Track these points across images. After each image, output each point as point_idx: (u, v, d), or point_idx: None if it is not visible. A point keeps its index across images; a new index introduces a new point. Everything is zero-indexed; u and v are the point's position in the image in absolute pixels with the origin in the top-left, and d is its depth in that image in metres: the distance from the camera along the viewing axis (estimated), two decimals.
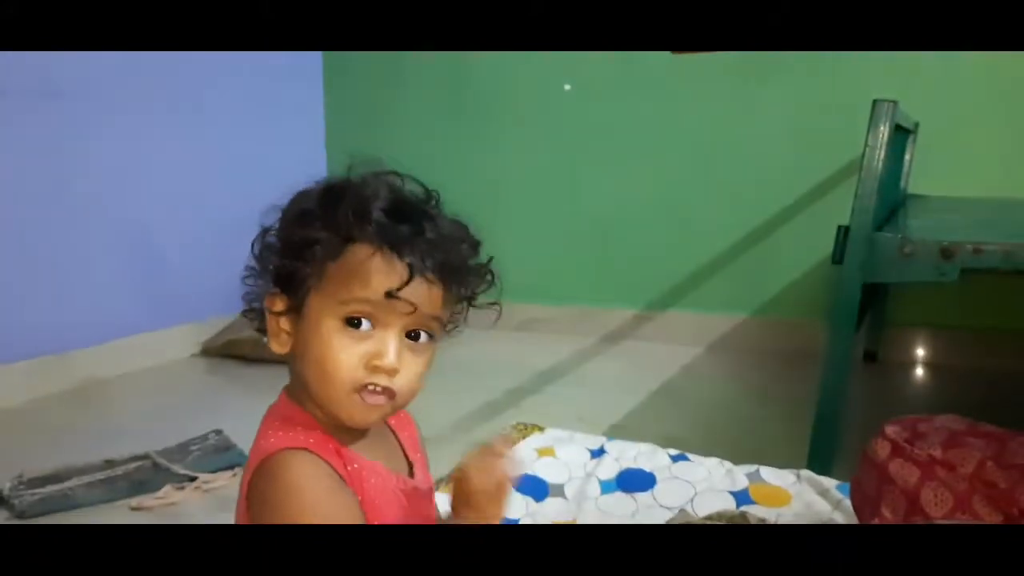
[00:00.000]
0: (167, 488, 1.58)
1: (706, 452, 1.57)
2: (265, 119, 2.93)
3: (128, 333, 2.44)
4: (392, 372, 0.74)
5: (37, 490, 1.53)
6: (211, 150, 2.71)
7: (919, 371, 2.48)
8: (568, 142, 2.88)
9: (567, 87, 2.84)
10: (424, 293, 0.75)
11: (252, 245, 0.81)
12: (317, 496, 0.72)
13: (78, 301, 2.31)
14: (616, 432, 1.95)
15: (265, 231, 0.80)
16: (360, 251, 0.74)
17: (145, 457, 1.66)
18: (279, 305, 0.77)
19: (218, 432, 1.79)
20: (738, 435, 1.91)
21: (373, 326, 0.75)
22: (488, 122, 2.98)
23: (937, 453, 1.07)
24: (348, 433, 0.79)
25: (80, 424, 2.01)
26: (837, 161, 2.47)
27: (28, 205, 2.19)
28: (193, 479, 1.61)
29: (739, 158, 2.65)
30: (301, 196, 0.80)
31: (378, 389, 0.75)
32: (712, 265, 2.75)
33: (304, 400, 0.78)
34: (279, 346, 0.78)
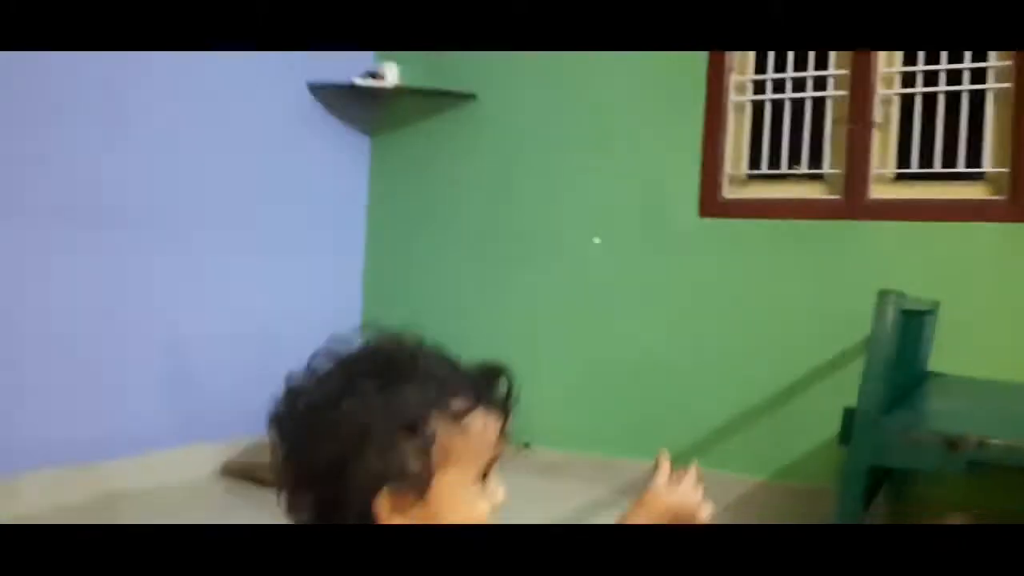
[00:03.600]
0: None
1: None
2: (307, 250, 3.06)
3: (153, 447, 2.50)
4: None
5: None
6: (252, 276, 2.84)
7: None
8: (599, 292, 2.97)
9: (596, 240, 2.96)
10: (500, 432, 0.83)
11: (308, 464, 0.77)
12: None
13: (108, 413, 2.40)
14: None
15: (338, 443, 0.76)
16: (474, 419, 0.79)
17: None
18: (401, 500, 0.76)
19: None
20: None
21: None
22: (521, 269, 3.09)
23: None
24: None
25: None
26: (859, 333, 2.53)
27: (69, 317, 2.30)
28: None
29: (765, 321, 2.71)
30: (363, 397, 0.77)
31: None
32: (733, 425, 2.77)
33: None
34: (405, 523, 0.77)
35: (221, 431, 2.67)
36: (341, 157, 3.20)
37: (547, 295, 3.05)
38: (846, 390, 2.03)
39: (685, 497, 0.92)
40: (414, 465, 0.76)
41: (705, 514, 0.91)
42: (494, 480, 0.83)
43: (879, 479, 1.99)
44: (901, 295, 1.44)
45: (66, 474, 2.25)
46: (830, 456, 2.58)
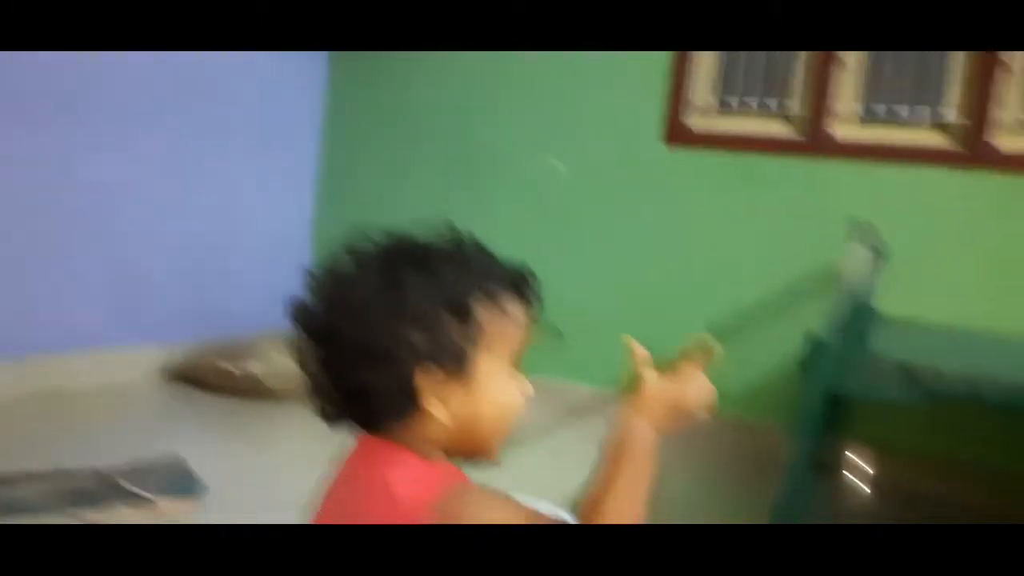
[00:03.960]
0: (117, 506, 1.56)
1: None
2: (259, 154, 2.96)
3: (94, 344, 2.42)
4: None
5: None
6: (203, 178, 2.74)
7: (871, 490, 2.51)
8: (553, 217, 2.95)
9: (559, 166, 2.92)
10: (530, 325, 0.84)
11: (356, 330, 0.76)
12: (521, 511, 0.75)
13: (51, 307, 2.30)
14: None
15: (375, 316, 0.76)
16: (511, 307, 0.81)
17: (100, 472, 1.65)
18: (443, 379, 0.77)
19: (178, 458, 1.77)
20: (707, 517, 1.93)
21: None
22: (480, 191, 3.04)
23: None
24: None
25: (38, 430, 1.98)
26: (808, 270, 2.55)
27: (18, 209, 2.20)
28: (145, 500, 1.60)
29: (717, 255, 2.73)
30: (399, 269, 0.78)
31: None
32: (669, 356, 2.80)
33: (429, 451, 0.79)
34: (442, 416, 0.78)
35: (166, 333, 2.60)
36: (298, 64, 3.09)
37: (506, 218, 3.01)
38: (801, 325, 2.06)
39: (689, 389, 0.85)
40: (458, 343, 0.77)
41: (707, 407, 0.86)
42: (520, 373, 0.83)
43: (832, 418, 2.03)
44: (872, 227, 1.44)
45: (3, 367, 2.16)
46: (776, 392, 2.64)
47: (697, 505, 2.19)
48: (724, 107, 2.74)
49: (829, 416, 1.71)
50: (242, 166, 2.89)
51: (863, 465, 2.56)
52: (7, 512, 1.49)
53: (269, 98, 2.99)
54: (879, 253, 1.98)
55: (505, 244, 3.04)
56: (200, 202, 2.74)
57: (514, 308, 0.81)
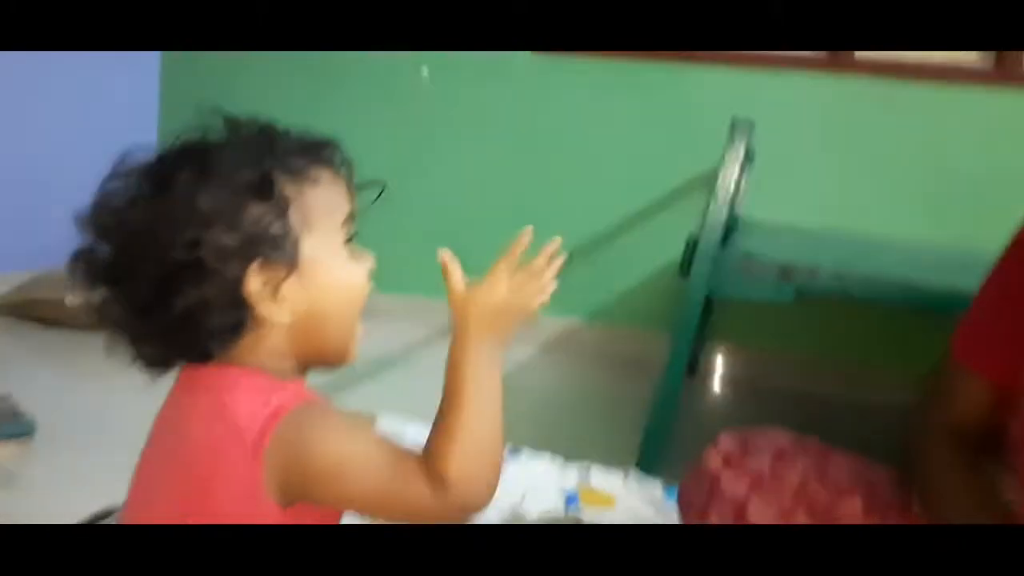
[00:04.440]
0: None
1: (538, 447, 1.57)
2: (96, 68, 2.67)
3: None
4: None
5: None
6: (33, 95, 2.46)
7: (736, 389, 2.59)
8: (421, 127, 2.82)
9: (425, 71, 2.77)
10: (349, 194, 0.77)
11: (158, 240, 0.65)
12: (372, 442, 0.67)
13: None
14: None
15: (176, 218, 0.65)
16: (318, 175, 0.72)
17: (5, 397, 1.46)
18: (273, 274, 0.67)
19: (5, 396, 1.59)
20: (567, 435, 1.92)
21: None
22: (338, 94, 2.86)
23: (765, 467, 1.10)
24: None
25: None
26: (682, 174, 2.55)
27: None
28: None
29: (590, 161, 2.69)
30: (194, 164, 0.67)
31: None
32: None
33: (276, 365, 0.70)
34: (282, 317, 0.68)
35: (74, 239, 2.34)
36: None
37: (367, 126, 2.85)
38: (670, 233, 2.04)
39: (504, 289, 0.76)
40: (275, 229, 0.67)
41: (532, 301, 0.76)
42: (357, 246, 0.76)
43: (705, 322, 2.04)
44: (752, 126, 1.40)
45: None
46: (651, 299, 2.65)
47: (574, 407, 2.19)
48: None
49: (702, 325, 1.70)
50: (77, 88, 2.60)
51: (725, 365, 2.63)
52: None
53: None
54: (751, 154, 1.97)
55: (367, 152, 2.88)
56: (29, 117, 2.46)
57: (323, 175, 0.72)
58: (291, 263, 0.68)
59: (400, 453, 0.67)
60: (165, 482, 0.69)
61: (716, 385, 2.57)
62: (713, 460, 1.13)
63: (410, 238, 2.87)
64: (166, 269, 0.65)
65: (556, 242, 0.77)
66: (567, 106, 2.69)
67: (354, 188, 0.77)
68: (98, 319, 0.68)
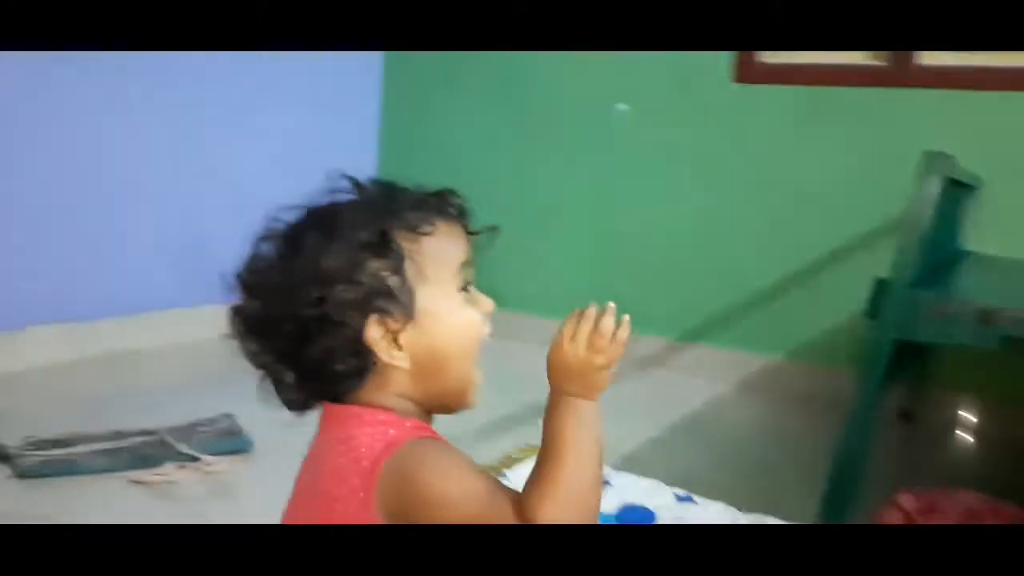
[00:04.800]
0: (168, 466, 1.58)
1: (717, 493, 1.52)
2: (320, 110, 2.94)
3: (160, 307, 2.46)
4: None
5: (42, 452, 1.55)
6: (262, 135, 2.73)
7: (955, 437, 2.37)
8: (618, 161, 2.84)
9: (622, 107, 2.80)
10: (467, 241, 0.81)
11: (292, 296, 0.73)
12: (476, 479, 0.70)
13: (115, 271, 2.35)
14: (628, 463, 1.90)
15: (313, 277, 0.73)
16: (434, 227, 0.77)
17: (153, 432, 1.67)
18: (392, 324, 0.74)
19: (228, 416, 1.79)
20: (754, 479, 1.85)
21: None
22: (540, 132, 2.95)
23: None
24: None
25: (100, 392, 2.03)
26: (889, 211, 2.38)
27: (78, 173, 2.23)
28: (195, 459, 1.61)
29: (789, 196, 2.58)
30: (326, 225, 0.75)
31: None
32: (751, 302, 2.68)
33: (400, 405, 0.76)
34: (402, 362, 0.75)
35: (229, 294, 2.63)
36: None
37: (568, 162, 2.92)
38: (878, 269, 1.91)
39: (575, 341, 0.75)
40: (391, 282, 0.73)
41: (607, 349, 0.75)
42: (475, 291, 0.80)
43: (901, 363, 1.90)
44: (949, 158, 1.30)
45: (69, 329, 2.22)
46: (854, 338, 2.49)
47: (765, 448, 2.10)
48: None
49: (903, 360, 1.59)
50: (302, 126, 2.87)
51: (965, 415, 2.40)
52: (63, 473, 1.52)
53: (329, 58, 2.95)
54: (965, 186, 1.82)
55: (573, 191, 2.98)
56: (258, 162, 2.74)
57: (439, 227, 0.77)
58: (408, 313, 0.74)
59: (499, 489, 0.70)
60: (303, 505, 0.77)
61: (932, 434, 2.37)
62: (890, 519, 1.05)
63: (605, 268, 2.90)
64: (299, 323, 0.73)
65: (626, 318, 0.78)
66: (766, 136, 2.61)
67: (471, 235, 0.81)
68: (254, 367, 0.77)
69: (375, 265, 0.73)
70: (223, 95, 2.60)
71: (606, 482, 1.51)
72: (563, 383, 0.74)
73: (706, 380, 2.64)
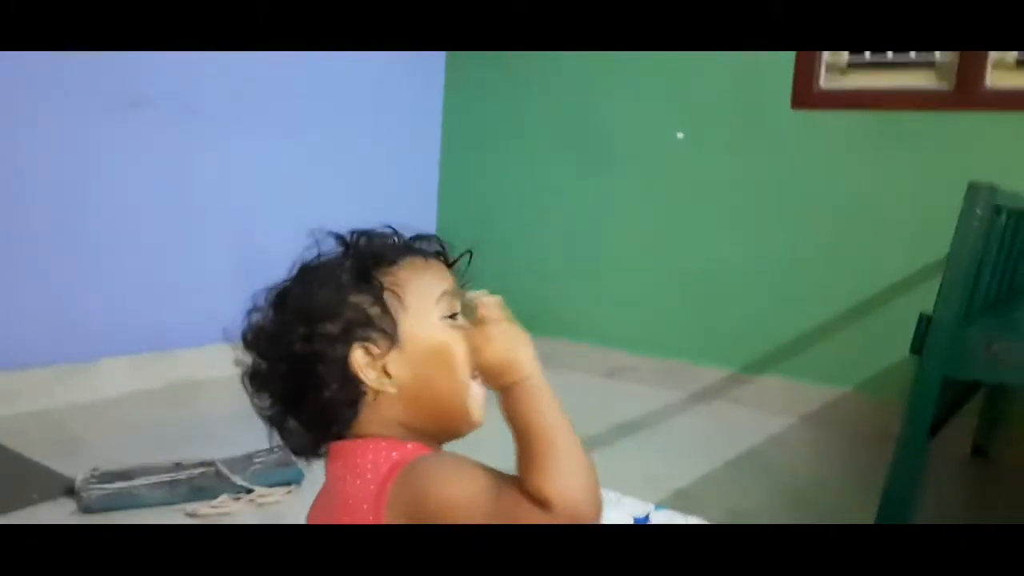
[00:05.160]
0: (223, 497, 1.64)
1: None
2: (382, 140, 3.02)
3: (228, 339, 2.55)
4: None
5: (106, 485, 1.62)
6: (327, 168, 2.83)
7: None
8: (679, 190, 2.82)
9: (680, 135, 2.79)
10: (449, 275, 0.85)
11: (286, 334, 0.79)
12: (481, 478, 0.72)
13: (186, 302, 2.45)
14: (679, 497, 1.88)
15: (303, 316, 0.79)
16: (414, 263, 0.82)
17: (210, 464, 1.73)
18: (376, 351, 0.78)
19: (282, 447, 1.83)
20: (810, 517, 1.81)
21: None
22: (597, 161, 2.96)
23: None
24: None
25: (166, 422, 2.12)
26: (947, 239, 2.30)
27: (150, 209, 2.34)
28: (250, 491, 1.67)
29: (853, 225, 2.52)
30: (315, 271, 0.81)
31: (476, 376, 0.80)
32: (815, 334, 2.62)
33: (399, 432, 0.79)
34: (390, 387, 0.78)
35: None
36: (416, 65, 3.14)
37: (627, 194, 2.92)
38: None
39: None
40: (373, 314, 0.77)
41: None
42: (463, 321, 0.81)
43: (964, 393, 1.83)
44: (994, 188, 1.26)
45: (140, 360, 2.33)
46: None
47: (826, 485, 2.04)
48: (855, 62, 2.51)
49: (953, 399, 1.54)
50: (368, 159, 2.95)
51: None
52: (125, 507, 1.59)
53: (392, 91, 3.05)
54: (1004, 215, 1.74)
55: (632, 222, 2.97)
56: (326, 195, 2.83)
57: (417, 260, 0.82)
58: (390, 339, 0.77)
59: (504, 483, 0.71)
60: None
61: (1008, 471, 2.26)
62: None
63: (666, 299, 2.88)
64: (291, 361, 0.78)
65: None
66: (827, 164, 2.56)
67: (452, 269, 0.85)
68: (264, 421, 0.82)
69: (356, 299, 0.78)
70: (292, 132, 2.69)
71: (647, 518, 1.50)
72: (500, 375, 0.75)
73: (769, 412, 2.59)
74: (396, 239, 0.85)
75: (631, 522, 1.49)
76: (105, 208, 2.26)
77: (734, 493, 1.93)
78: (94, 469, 1.66)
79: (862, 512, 1.64)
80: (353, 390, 0.77)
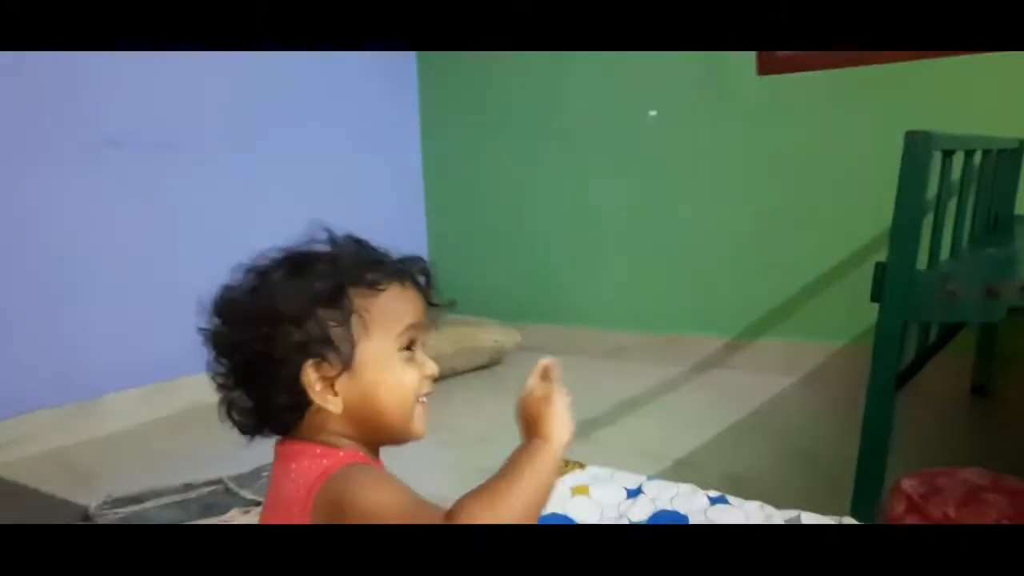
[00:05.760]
0: (233, 512, 1.69)
1: (771, 492, 1.52)
2: (363, 154, 3.07)
3: None
4: (434, 378, 0.86)
5: (119, 510, 1.68)
6: (311, 188, 2.87)
7: None
8: (656, 167, 2.85)
9: (652, 113, 2.82)
10: (422, 306, 0.87)
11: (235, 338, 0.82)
12: (402, 492, 0.75)
13: (182, 331, 2.50)
14: (678, 467, 1.92)
15: (254, 320, 0.81)
16: (390, 291, 0.83)
17: (219, 481, 1.79)
18: (328, 370, 0.80)
19: None
20: (808, 473, 1.84)
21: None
22: (576, 148, 3.00)
23: (951, 511, 1.00)
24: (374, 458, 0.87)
25: (176, 450, 2.18)
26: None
27: (143, 242, 2.40)
28: (258, 504, 1.72)
29: (832, 180, 2.54)
30: (283, 278, 0.83)
31: (425, 398, 0.86)
32: (807, 292, 2.64)
33: (336, 440, 0.83)
34: (334, 406, 0.81)
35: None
36: (389, 74, 3.19)
37: (608, 174, 2.96)
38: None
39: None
40: (335, 334, 0.79)
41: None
42: (421, 353, 0.86)
43: (943, 336, 1.86)
44: (929, 134, 1.29)
45: (150, 391, 2.39)
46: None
47: (830, 440, 2.07)
48: None
49: (927, 339, 1.56)
50: (351, 176, 2.99)
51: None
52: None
53: (368, 104, 3.08)
54: (987, 156, 1.77)
55: (616, 204, 3.00)
56: (313, 215, 2.87)
57: (393, 289, 0.83)
58: (345, 362, 0.80)
59: (423, 502, 0.74)
60: None
61: (1009, 407, 2.28)
62: (895, 505, 1.05)
63: (656, 275, 2.91)
64: (249, 353, 0.81)
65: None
66: (799, 124, 2.58)
67: (428, 299, 0.87)
68: (215, 387, 0.85)
69: (324, 314, 0.80)
70: (275, 162, 2.74)
71: (639, 490, 1.53)
72: (530, 428, 0.79)
73: (769, 375, 2.62)
74: (382, 260, 0.85)
75: (624, 496, 1.53)
76: (92, 248, 2.31)
77: (733, 458, 1.97)
78: (107, 496, 1.72)
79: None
80: (299, 398, 0.80)
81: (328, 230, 0.87)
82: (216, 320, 0.84)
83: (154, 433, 2.32)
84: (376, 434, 0.84)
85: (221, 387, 0.84)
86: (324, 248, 0.86)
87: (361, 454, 0.83)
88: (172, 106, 2.47)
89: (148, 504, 1.70)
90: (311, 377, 0.80)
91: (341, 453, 0.81)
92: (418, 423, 0.85)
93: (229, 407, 0.84)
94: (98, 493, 1.77)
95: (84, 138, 2.27)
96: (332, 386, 0.80)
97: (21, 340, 2.17)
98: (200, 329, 0.84)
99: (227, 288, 0.84)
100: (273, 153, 2.75)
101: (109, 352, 2.34)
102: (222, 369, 0.83)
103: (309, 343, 0.79)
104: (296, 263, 0.83)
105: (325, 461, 0.79)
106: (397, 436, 0.85)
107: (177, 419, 2.40)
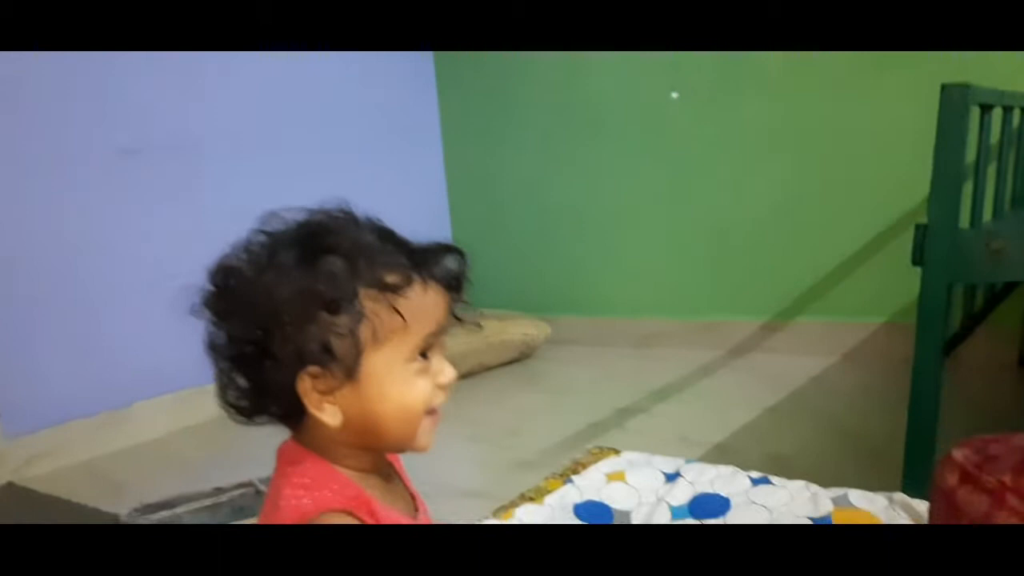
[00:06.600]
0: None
1: (816, 472, 1.47)
2: (386, 156, 3.04)
3: None
4: (451, 386, 0.77)
5: (151, 516, 1.66)
6: (334, 192, 2.84)
7: None
8: (680, 150, 2.79)
9: (674, 95, 2.76)
10: (445, 309, 0.76)
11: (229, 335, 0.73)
12: None
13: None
14: (718, 451, 1.87)
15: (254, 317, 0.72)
16: (409, 293, 0.72)
17: (249, 484, 1.76)
18: (327, 381, 0.71)
19: None
20: (852, 452, 1.78)
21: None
22: (598, 135, 2.94)
23: (1007, 478, 0.94)
24: (376, 481, 0.79)
25: (207, 454, 2.16)
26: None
27: (168, 248, 2.39)
28: None
29: (862, 153, 2.47)
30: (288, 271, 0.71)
31: (437, 408, 0.77)
32: (842, 270, 2.57)
33: (339, 455, 0.76)
34: (332, 418, 0.72)
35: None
36: (408, 75, 3.17)
37: (630, 164, 2.90)
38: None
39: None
40: (338, 345, 0.70)
41: None
42: (438, 358, 0.77)
43: (990, 301, 1.79)
44: (968, 87, 1.23)
45: (181, 397, 2.37)
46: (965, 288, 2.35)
47: (871, 418, 2.01)
48: None
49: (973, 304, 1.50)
50: (374, 177, 2.96)
51: None
52: None
53: (389, 105, 3.06)
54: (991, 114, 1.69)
55: (641, 190, 2.93)
56: None
57: (414, 294, 0.73)
58: (349, 374, 0.71)
59: None
60: None
61: None
62: (948, 477, 0.99)
63: (687, 261, 2.85)
64: (245, 339, 0.72)
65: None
66: (823, 99, 2.51)
67: (458, 303, 0.78)
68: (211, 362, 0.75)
69: (329, 320, 0.70)
70: (299, 167, 2.71)
71: (677, 474, 1.48)
72: None
73: (806, 356, 2.55)
74: (403, 257, 0.74)
75: (662, 480, 1.48)
76: (118, 257, 2.30)
77: (773, 439, 1.91)
78: (138, 503, 1.71)
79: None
80: (294, 404, 0.72)
81: (351, 211, 0.78)
82: (213, 286, 0.74)
83: (184, 441, 2.31)
84: (377, 445, 0.77)
85: (215, 356, 0.75)
86: (344, 232, 0.74)
87: (350, 491, 0.74)
88: (196, 110, 2.45)
89: (179, 509, 1.68)
90: (307, 386, 0.71)
91: (332, 486, 0.73)
92: (423, 438, 0.77)
93: (227, 386, 0.75)
94: (130, 500, 1.75)
95: (107, 145, 2.26)
96: (331, 398, 0.72)
97: (51, 352, 2.17)
98: (203, 292, 0.75)
99: (235, 253, 0.75)
100: (296, 156, 2.73)
101: (138, 360, 2.33)
102: (222, 343, 0.74)
103: (307, 348, 0.70)
104: (310, 248, 0.72)
105: (307, 501, 0.71)
106: (398, 449, 0.80)
107: (207, 427, 2.38)
